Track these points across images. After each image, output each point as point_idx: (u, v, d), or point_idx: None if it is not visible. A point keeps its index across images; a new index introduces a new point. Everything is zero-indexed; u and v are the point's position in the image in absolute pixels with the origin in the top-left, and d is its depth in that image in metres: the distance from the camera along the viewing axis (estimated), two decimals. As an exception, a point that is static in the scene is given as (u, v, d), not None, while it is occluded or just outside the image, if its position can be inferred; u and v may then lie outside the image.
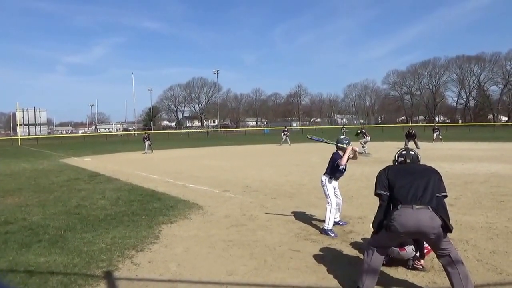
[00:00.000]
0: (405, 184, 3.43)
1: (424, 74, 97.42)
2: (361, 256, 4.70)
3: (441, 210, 3.32)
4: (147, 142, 25.63)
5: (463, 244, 4.99)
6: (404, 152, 3.83)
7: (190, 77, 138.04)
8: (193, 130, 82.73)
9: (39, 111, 67.68)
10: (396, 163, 3.81)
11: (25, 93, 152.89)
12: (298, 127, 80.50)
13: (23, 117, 63.87)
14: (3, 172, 15.10)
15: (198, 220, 6.71)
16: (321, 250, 4.96)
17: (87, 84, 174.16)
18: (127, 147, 33.71)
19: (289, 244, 5.23)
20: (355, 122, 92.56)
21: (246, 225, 6.35)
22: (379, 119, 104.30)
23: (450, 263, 3.36)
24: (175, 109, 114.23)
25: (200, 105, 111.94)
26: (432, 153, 19.52)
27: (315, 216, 6.84)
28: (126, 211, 7.41)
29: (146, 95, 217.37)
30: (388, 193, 3.51)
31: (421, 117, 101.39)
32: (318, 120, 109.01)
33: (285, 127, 33.10)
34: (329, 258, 4.66)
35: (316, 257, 4.70)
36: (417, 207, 3.27)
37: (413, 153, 3.82)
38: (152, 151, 25.47)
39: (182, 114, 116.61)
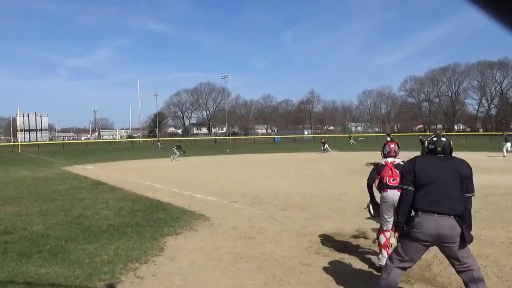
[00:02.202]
0: (433, 182, 3.33)
1: (443, 80, 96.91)
2: (374, 271, 4.68)
3: (466, 216, 3.30)
4: (175, 149, 26.25)
5: (482, 260, 4.94)
6: (435, 139, 3.61)
7: (197, 82, 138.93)
8: (200, 138, 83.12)
9: (40, 116, 68.52)
10: (426, 151, 3.63)
11: (25, 97, 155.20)
12: (310, 135, 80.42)
13: (23, 123, 64.75)
14: (3, 180, 15.31)
15: (204, 232, 6.73)
16: (332, 264, 4.94)
17: (90, 88, 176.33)
18: (131, 154, 33.96)
19: (300, 258, 5.22)
20: (369, 130, 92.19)
21: (255, 237, 6.36)
22: (395, 128, 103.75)
23: (471, 280, 3.28)
24: (181, 116, 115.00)
25: (207, 112, 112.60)
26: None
27: (327, 229, 6.81)
28: (129, 221, 7.46)
29: (152, 101, 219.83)
30: (413, 189, 3.42)
31: (439, 126, 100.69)
32: (331, 128, 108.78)
33: (322, 139, 33.71)
34: (341, 273, 4.64)
35: (327, 272, 4.68)
36: (440, 217, 3.23)
37: (444, 139, 3.59)
38: (173, 159, 25.91)
39: (189, 121, 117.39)
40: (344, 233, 6.49)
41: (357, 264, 4.98)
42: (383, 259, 4.70)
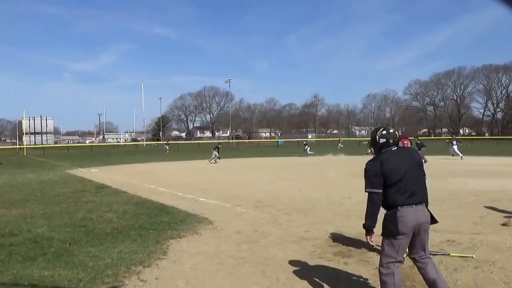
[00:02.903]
0: (402, 178, 3.51)
1: (448, 84, 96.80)
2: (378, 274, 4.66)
3: (426, 199, 3.66)
4: (216, 152, 26.81)
5: (489, 266, 4.91)
6: (384, 132, 3.72)
7: (201, 86, 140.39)
8: (204, 141, 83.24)
9: (46, 120, 68.89)
10: (376, 145, 3.73)
11: (31, 100, 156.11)
12: (314, 139, 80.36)
13: (29, 126, 65.09)
14: (8, 182, 15.39)
15: (207, 236, 6.73)
16: (337, 269, 4.93)
17: (95, 92, 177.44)
18: (135, 158, 34.06)
19: (303, 263, 5.21)
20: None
21: (258, 241, 6.35)
22: (400, 132, 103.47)
23: (436, 271, 3.63)
24: (185, 119, 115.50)
25: (211, 115, 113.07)
26: (456, 167, 19.27)
27: (331, 233, 6.80)
28: (133, 224, 7.48)
29: (156, 104, 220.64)
30: (382, 191, 3.54)
31: (444, 130, 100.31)
32: (335, 131, 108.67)
33: (305, 141, 33.94)
34: (345, 278, 4.63)
35: (331, 276, 4.67)
36: (417, 206, 3.52)
37: (392, 131, 3.76)
38: (214, 161, 26.32)
39: (193, 124, 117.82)
40: (348, 237, 6.47)
41: (361, 268, 4.96)
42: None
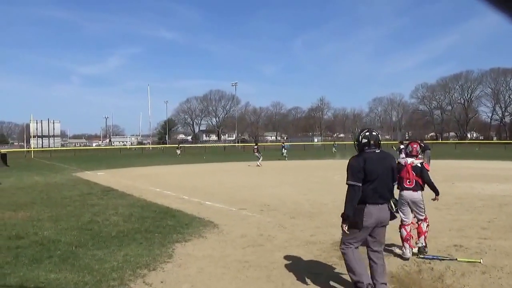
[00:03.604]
0: (376, 179, 3.96)
1: (456, 88, 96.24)
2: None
3: (392, 199, 4.15)
4: (258, 154, 27.13)
5: (497, 271, 4.86)
6: (367, 133, 4.16)
7: (207, 89, 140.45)
8: (210, 145, 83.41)
9: (53, 123, 69.33)
10: (359, 144, 4.16)
11: (39, 104, 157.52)
12: (320, 143, 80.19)
13: (36, 129, 65.59)
14: (15, 185, 15.51)
15: (213, 239, 6.73)
16: (342, 273, 4.90)
17: (102, 95, 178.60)
18: (141, 161, 34.17)
19: (309, 267, 5.20)
20: (380, 138, 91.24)
21: (264, 245, 6.34)
22: (406, 135, 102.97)
23: (380, 258, 4.18)
24: (191, 123, 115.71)
25: (217, 119, 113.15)
26: (464, 171, 19.14)
27: (336, 237, 6.76)
28: (139, 228, 7.50)
29: (162, 108, 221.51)
30: (361, 184, 3.96)
31: (452, 134, 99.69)
32: (342, 135, 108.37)
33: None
34: (351, 283, 4.60)
35: (337, 280, 4.65)
36: (381, 205, 4.01)
37: (375, 133, 4.19)
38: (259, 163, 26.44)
39: (199, 128, 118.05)
40: (354, 241, 6.44)
41: (367, 273, 4.93)
42: (406, 251, 5.52)
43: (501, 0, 0.69)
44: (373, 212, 3.96)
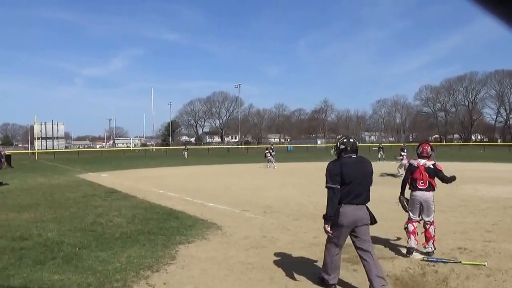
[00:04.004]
0: (352, 181, 4.30)
1: (460, 89, 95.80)
2: (389, 281, 4.62)
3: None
4: (270, 157, 26.92)
5: (501, 275, 4.83)
6: (345, 140, 4.54)
7: (210, 91, 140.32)
8: (213, 146, 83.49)
9: (57, 125, 69.51)
10: (337, 149, 4.55)
11: (43, 106, 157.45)
12: (323, 145, 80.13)
13: (40, 131, 65.82)
14: (19, 186, 15.57)
15: (216, 241, 6.73)
16: (345, 275, 4.89)
17: (105, 97, 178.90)
18: (144, 163, 34.24)
19: (312, 269, 5.18)
20: (384, 140, 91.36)
21: (267, 247, 6.33)
22: (410, 137, 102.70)
23: (370, 257, 4.35)
24: (195, 124, 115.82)
25: (220, 120, 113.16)
26: (468, 174, 19.05)
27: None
28: (142, 229, 7.51)
29: (165, 110, 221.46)
30: (339, 187, 4.30)
31: (456, 136, 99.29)
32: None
33: (271, 145, 33.59)
34: (354, 285, 4.59)
35: (340, 283, 4.63)
36: (357, 206, 4.33)
37: (352, 140, 4.55)
38: (274, 166, 26.36)
39: (202, 130, 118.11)
40: (358, 244, 6.42)
41: (371, 275, 4.91)
42: (411, 242, 5.76)
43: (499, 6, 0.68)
44: (348, 212, 4.29)
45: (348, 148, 4.46)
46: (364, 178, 4.40)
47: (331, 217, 4.29)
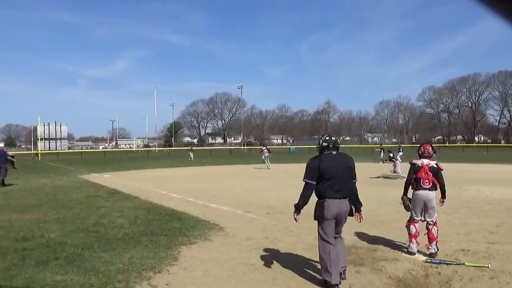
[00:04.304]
0: (333, 176, 4.59)
1: (463, 91, 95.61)
2: (391, 283, 4.60)
3: (353, 196, 4.76)
4: (266, 155, 27.07)
5: (505, 277, 4.80)
6: (327, 138, 4.86)
7: (213, 92, 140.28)
8: (216, 147, 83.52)
9: (60, 126, 69.73)
10: (320, 147, 4.83)
11: (46, 106, 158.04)
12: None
13: (44, 132, 66.02)
14: (22, 187, 15.61)
15: (218, 242, 6.73)
16: (348, 278, 4.87)
17: (108, 98, 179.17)
18: (147, 164, 34.27)
19: (315, 271, 5.17)
20: (387, 141, 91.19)
21: (269, 248, 6.32)
22: (413, 139, 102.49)
23: (338, 242, 4.80)
24: (197, 125, 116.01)
25: (223, 121, 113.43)
26: (471, 175, 18.99)
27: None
28: (144, 230, 7.52)
29: (168, 111, 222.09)
30: (315, 183, 4.65)
31: (459, 137, 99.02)
32: (348, 138, 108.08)
33: (264, 146, 33.28)
34: (357, 286, 4.58)
35: (343, 284, 4.62)
36: (340, 199, 4.62)
37: (334, 139, 4.88)
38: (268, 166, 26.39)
39: (205, 131, 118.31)
40: (360, 245, 6.42)
41: (374, 277, 4.91)
42: (413, 246, 5.76)
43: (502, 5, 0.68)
44: (332, 206, 4.60)
45: (330, 146, 4.77)
46: (344, 173, 4.66)
47: (299, 208, 4.80)
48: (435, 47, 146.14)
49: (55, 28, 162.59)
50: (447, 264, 5.26)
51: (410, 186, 6.06)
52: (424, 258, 5.57)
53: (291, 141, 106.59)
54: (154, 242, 6.62)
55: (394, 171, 18.18)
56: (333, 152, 4.76)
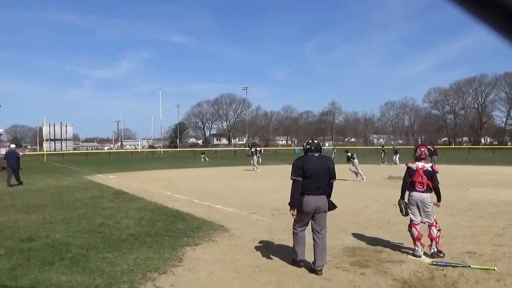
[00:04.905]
0: (312, 175, 5.21)
1: (469, 92, 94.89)
2: (396, 285, 4.59)
3: (330, 194, 5.39)
4: (255, 157, 26.48)
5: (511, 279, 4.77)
6: (310, 141, 5.54)
7: (218, 93, 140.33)
8: (220, 148, 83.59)
9: (66, 126, 70.03)
10: (304, 149, 5.52)
11: (51, 107, 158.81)
12: (331, 147, 79.87)
13: (49, 132, 66.36)
14: (28, 188, 15.71)
15: (223, 243, 6.74)
16: (353, 279, 4.86)
17: (114, 99, 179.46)
18: (152, 164, 34.36)
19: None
20: (392, 142, 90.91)
21: (274, 250, 6.32)
22: (419, 140, 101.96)
23: (322, 243, 5.27)
24: (202, 126, 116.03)
25: (228, 123, 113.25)
26: (478, 177, 18.88)
27: (347, 243, 6.72)
28: (149, 231, 7.54)
29: (173, 112, 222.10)
30: (302, 179, 5.22)
31: (465, 139, 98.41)
32: (353, 140, 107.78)
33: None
34: (362, 289, 4.56)
35: (348, 286, 4.61)
36: (317, 196, 5.23)
37: (316, 142, 5.57)
38: (257, 167, 25.78)
39: (210, 132, 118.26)
40: (365, 247, 6.39)
41: (379, 279, 4.89)
42: (418, 249, 5.76)
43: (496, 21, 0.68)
44: (310, 201, 5.22)
45: (313, 148, 5.44)
46: (323, 173, 5.28)
47: (293, 204, 5.32)
48: (441, 48, 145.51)
49: (60, 29, 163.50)
50: (453, 266, 5.23)
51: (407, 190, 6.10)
52: (430, 260, 5.55)
53: (296, 142, 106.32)
54: (159, 243, 6.63)
55: (354, 172, 18.12)
56: (316, 154, 5.42)
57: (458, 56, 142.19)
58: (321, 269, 5.11)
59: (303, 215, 5.33)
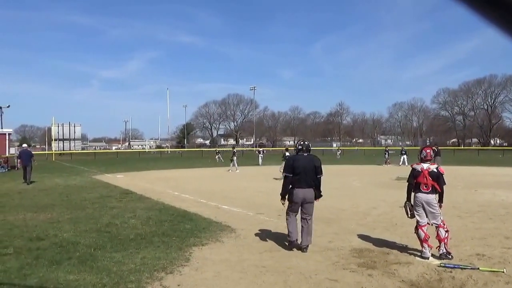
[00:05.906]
0: (301, 172, 6.24)
1: (479, 93, 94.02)
2: (404, 287, 4.56)
3: (317, 187, 6.41)
4: (234, 158, 26.36)
5: (521, 282, 4.72)
6: (302, 142, 6.63)
7: (226, 93, 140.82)
8: (228, 149, 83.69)
9: (74, 126, 70.56)
10: (296, 149, 6.67)
11: (60, 107, 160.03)
12: (335, 148, 79.63)
13: (58, 132, 66.87)
14: (37, 187, 15.85)
15: (230, 244, 6.74)
16: (361, 280, 4.84)
17: (122, 99, 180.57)
18: (159, 164, 34.51)
19: (326, 273, 5.15)
20: (400, 143, 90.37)
21: (281, 250, 6.32)
22: (428, 141, 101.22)
23: (309, 228, 6.31)
24: (209, 127, 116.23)
25: (235, 123, 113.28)
26: (487, 178, 18.71)
27: (355, 244, 6.69)
28: (156, 231, 7.57)
29: (181, 112, 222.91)
30: (292, 175, 6.28)
31: (474, 140, 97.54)
32: (361, 140, 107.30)
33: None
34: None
35: (353, 286, 4.59)
36: (305, 189, 6.26)
37: (306, 143, 6.62)
38: (236, 168, 25.49)
39: (217, 132, 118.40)
40: (373, 248, 6.37)
41: (386, 281, 4.86)
42: (426, 251, 5.72)
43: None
44: (298, 193, 6.26)
45: (304, 148, 6.51)
46: (310, 170, 6.32)
47: (283, 196, 6.42)
48: (450, 49, 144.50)
49: (69, 29, 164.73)
50: (462, 268, 5.19)
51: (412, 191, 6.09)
52: (438, 262, 5.51)
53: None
54: (166, 243, 6.66)
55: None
56: (305, 154, 6.47)
57: (467, 56, 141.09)
58: (306, 248, 6.14)
59: (293, 204, 6.33)
